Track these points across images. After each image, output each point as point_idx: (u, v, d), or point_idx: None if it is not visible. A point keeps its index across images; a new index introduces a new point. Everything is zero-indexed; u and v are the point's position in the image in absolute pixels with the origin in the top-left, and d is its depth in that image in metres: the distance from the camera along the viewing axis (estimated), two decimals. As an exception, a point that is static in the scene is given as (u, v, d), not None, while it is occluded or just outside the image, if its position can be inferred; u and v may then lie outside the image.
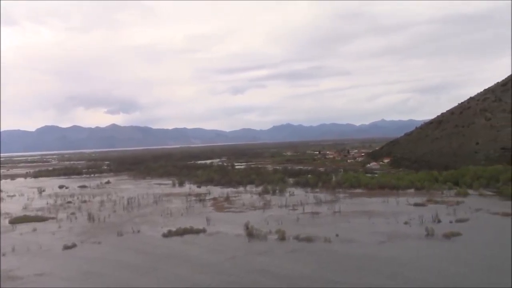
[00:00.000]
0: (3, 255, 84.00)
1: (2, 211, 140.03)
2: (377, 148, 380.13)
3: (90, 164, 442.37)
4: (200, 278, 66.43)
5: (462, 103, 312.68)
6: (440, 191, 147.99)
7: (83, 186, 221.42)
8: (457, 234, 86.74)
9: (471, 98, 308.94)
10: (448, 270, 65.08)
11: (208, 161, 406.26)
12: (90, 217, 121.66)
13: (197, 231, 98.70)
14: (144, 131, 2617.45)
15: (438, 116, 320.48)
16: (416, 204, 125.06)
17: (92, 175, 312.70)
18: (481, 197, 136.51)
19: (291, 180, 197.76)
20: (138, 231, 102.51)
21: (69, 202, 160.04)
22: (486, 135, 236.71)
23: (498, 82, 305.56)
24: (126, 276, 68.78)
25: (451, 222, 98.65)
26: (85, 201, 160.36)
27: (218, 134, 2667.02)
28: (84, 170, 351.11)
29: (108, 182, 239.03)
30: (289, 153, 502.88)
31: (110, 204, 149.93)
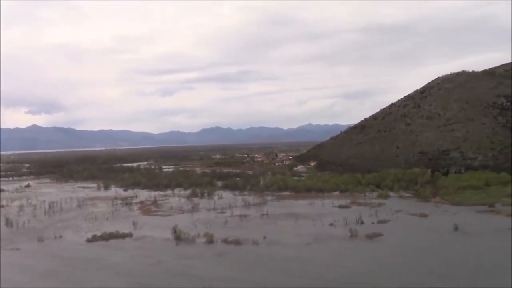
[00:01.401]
0: None
1: None
2: (304, 152, 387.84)
3: (9, 167, 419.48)
4: (119, 282, 65.19)
5: (384, 109, 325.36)
6: (363, 194, 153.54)
7: (1, 190, 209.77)
8: (379, 235, 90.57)
9: (392, 104, 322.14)
10: (367, 270, 67.88)
11: (135, 164, 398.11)
12: (8, 223, 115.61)
13: (123, 236, 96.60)
14: (68, 133, 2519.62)
15: (361, 121, 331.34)
16: (340, 206, 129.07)
17: (11, 178, 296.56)
18: (401, 199, 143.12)
19: (219, 183, 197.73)
20: (60, 237, 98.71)
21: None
22: (406, 140, 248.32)
23: (417, 90, 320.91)
24: (46, 285, 66.22)
25: (373, 223, 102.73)
26: (2, 206, 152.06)
27: (145, 136, 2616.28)
28: (1, 173, 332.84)
29: (28, 186, 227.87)
30: (217, 156, 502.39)
31: (30, 208, 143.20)
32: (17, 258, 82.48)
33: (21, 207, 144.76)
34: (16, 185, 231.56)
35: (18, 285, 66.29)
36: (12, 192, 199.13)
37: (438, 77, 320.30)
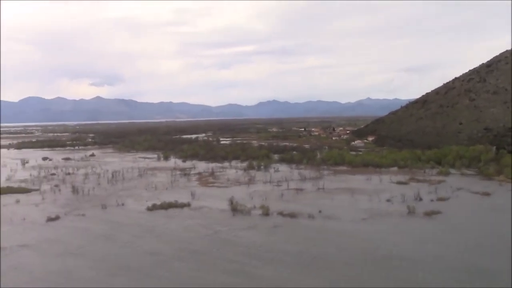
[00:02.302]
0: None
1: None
2: (362, 126, 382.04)
3: (74, 137, 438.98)
4: (173, 250, 67.28)
5: (447, 83, 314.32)
6: (423, 170, 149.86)
7: (67, 159, 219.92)
8: (438, 213, 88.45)
9: (456, 79, 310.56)
10: (422, 249, 66.57)
11: (194, 136, 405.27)
12: (74, 190, 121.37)
13: (182, 205, 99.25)
14: (129, 105, 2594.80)
15: (423, 95, 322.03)
16: (398, 182, 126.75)
17: (76, 148, 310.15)
18: (462, 176, 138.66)
19: (276, 156, 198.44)
20: (123, 204, 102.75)
21: (53, 174, 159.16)
22: (469, 116, 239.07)
23: (483, 63, 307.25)
24: (106, 249, 69.45)
25: (432, 200, 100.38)
26: (69, 174, 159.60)
27: (204, 109, 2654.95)
28: (68, 143, 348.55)
29: (92, 155, 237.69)
30: (274, 130, 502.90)
31: (95, 177, 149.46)
32: (81, 223, 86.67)
33: (86, 175, 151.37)
34: (82, 154, 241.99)
35: (102, 254, 69.65)
36: (78, 161, 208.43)
37: (506, 50, 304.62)
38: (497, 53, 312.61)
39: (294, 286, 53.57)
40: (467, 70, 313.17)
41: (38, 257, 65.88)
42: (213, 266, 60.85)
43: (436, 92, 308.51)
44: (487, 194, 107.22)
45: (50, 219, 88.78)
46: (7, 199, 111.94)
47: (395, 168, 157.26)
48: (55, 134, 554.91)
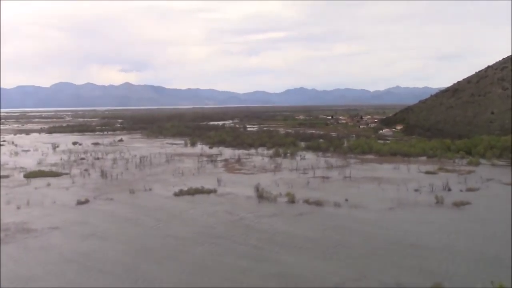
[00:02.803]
0: (18, 208, 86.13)
1: (17, 165, 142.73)
2: (390, 115, 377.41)
3: (104, 122, 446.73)
4: (198, 236, 67.77)
5: (479, 71, 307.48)
6: (452, 160, 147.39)
7: (96, 143, 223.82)
8: (467, 203, 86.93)
9: (489, 67, 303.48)
10: (446, 239, 65.60)
11: (221, 123, 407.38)
12: (103, 174, 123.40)
13: (208, 191, 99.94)
14: (158, 91, 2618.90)
15: (454, 84, 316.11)
16: (427, 172, 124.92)
17: (105, 133, 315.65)
18: (493, 167, 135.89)
19: (302, 144, 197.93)
20: (150, 189, 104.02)
21: (83, 158, 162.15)
22: (502, 105, 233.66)
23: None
24: (131, 232, 70.60)
25: (461, 191, 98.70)
26: (98, 158, 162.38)
27: (231, 96, 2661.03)
28: (97, 128, 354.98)
29: (121, 140, 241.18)
30: (301, 117, 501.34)
31: (123, 162, 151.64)
32: (109, 207, 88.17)
33: (114, 160, 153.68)
34: (110, 139, 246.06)
35: (104, 231, 70.90)
36: (107, 146, 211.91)
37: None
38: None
39: (310, 272, 53.61)
40: (500, 58, 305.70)
41: (67, 239, 67.37)
42: (232, 251, 61.47)
43: (468, 80, 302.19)
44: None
45: (80, 203, 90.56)
46: (38, 182, 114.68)
47: (424, 158, 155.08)
48: (85, 119, 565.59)
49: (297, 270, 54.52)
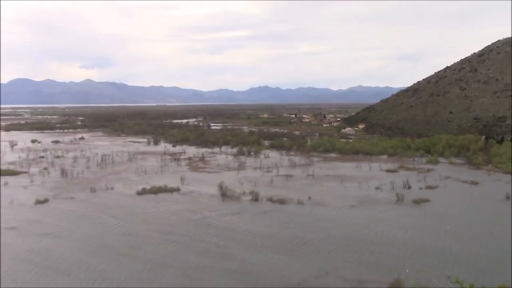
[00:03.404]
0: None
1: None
2: (352, 114, 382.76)
3: (64, 119, 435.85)
4: (158, 234, 67.31)
5: (438, 72, 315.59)
6: (412, 158, 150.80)
7: (57, 141, 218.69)
8: (426, 201, 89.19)
9: (447, 68, 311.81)
10: (402, 234, 67.39)
11: (184, 121, 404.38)
12: (63, 173, 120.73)
13: (171, 190, 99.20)
14: (120, 88, 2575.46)
15: (414, 84, 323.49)
16: (388, 170, 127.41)
17: (66, 131, 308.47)
18: (451, 165, 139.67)
19: (266, 143, 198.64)
20: (112, 188, 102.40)
21: (42, 157, 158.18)
22: (460, 105, 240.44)
23: (475, 53, 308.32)
24: (89, 231, 69.43)
25: (421, 188, 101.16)
26: (58, 157, 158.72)
27: (195, 93, 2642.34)
28: (57, 125, 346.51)
29: (82, 138, 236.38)
30: (265, 115, 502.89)
31: (84, 160, 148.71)
32: (69, 206, 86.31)
33: (75, 159, 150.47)
34: (71, 137, 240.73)
35: (62, 230, 69.52)
36: (67, 144, 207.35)
37: (498, 40, 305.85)
38: (489, 42, 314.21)
39: (270, 269, 54.25)
40: (459, 60, 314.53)
41: (23, 239, 65.99)
42: (192, 249, 61.70)
43: (428, 81, 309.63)
44: (475, 183, 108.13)
45: (39, 202, 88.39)
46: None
47: (385, 156, 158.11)
48: (45, 116, 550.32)
49: (257, 267, 55.09)
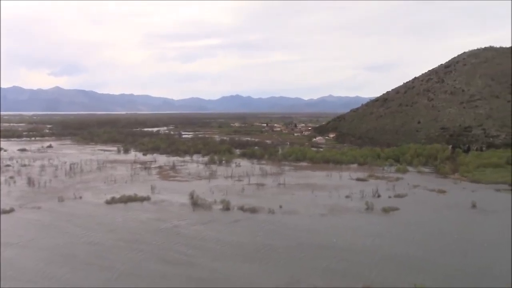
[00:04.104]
0: None
1: None
2: (323, 123, 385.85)
3: (31, 127, 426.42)
4: (126, 245, 66.50)
5: (407, 82, 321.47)
6: (382, 167, 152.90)
7: (23, 150, 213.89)
8: (395, 209, 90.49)
9: (415, 78, 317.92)
10: (369, 242, 68.31)
11: (155, 129, 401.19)
12: (30, 182, 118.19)
13: (142, 199, 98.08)
14: (90, 96, 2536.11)
15: (383, 94, 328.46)
16: (358, 179, 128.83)
17: (33, 139, 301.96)
18: (420, 174, 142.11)
19: (237, 151, 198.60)
20: (80, 197, 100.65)
21: (8, 165, 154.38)
22: (427, 115, 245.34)
23: (441, 64, 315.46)
24: (53, 241, 68.15)
25: (390, 197, 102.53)
26: (25, 165, 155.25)
27: (166, 102, 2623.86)
28: (24, 133, 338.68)
29: (50, 146, 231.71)
30: (237, 124, 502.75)
31: (52, 168, 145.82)
32: (35, 216, 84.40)
33: (42, 167, 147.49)
34: (38, 146, 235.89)
35: (26, 240, 67.99)
36: (34, 152, 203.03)
37: (464, 52, 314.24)
38: (455, 54, 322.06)
39: (237, 277, 54.67)
40: (426, 70, 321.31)
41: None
42: (154, 256, 61.60)
43: (397, 91, 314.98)
44: (442, 191, 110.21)
45: (4, 212, 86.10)
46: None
47: (355, 165, 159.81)
48: (11, 124, 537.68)
49: (222, 274, 55.22)
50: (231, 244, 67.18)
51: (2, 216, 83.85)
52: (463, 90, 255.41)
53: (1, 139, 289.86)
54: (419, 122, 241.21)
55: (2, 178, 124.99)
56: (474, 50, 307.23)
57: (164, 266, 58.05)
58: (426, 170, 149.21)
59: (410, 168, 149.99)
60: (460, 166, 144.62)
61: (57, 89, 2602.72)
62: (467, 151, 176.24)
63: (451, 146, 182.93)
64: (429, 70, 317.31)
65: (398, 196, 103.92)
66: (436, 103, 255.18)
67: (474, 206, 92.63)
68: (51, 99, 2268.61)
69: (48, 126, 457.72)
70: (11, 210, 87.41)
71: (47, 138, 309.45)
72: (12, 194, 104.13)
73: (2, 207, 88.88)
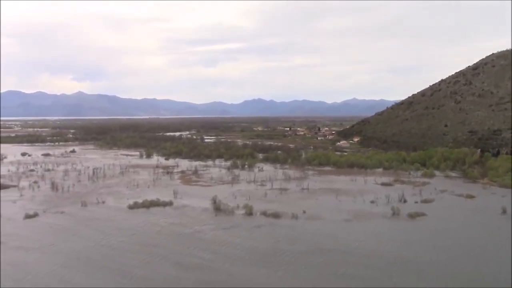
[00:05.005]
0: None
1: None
2: (347, 127, 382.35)
3: (55, 132, 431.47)
4: (146, 250, 65.50)
5: (433, 85, 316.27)
6: (408, 172, 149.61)
7: (47, 154, 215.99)
8: (422, 215, 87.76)
9: (442, 81, 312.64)
10: (392, 248, 66.07)
11: (177, 134, 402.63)
12: (54, 186, 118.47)
13: (164, 204, 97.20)
14: (112, 100, 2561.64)
15: (409, 97, 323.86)
16: (383, 184, 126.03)
17: (57, 144, 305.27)
18: (447, 178, 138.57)
19: (260, 156, 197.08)
20: (103, 202, 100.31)
21: (32, 170, 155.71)
22: (455, 118, 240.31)
23: (469, 66, 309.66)
24: (72, 245, 67.69)
25: (416, 202, 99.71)
26: (48, 170, 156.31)
27: (188, 106, 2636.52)
28: (48, 138, 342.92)
29: (73, 151, 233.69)
30: (259, 128, 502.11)
31: (75, 173, 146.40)
32: (59, 221, 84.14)
33: (66, 172, 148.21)
34: (62, 150, 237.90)
35: (46, 245, 67.50)
36: (58, 157, 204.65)
37: (493, 53, 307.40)
38: (483, 56, 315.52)
39: (251, 282, 53.73)
40: (453, 73, 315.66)
41: (7, 253, 64.35)
42: (171, 261, 61.06)
43: (422, 94, 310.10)
44: (471, 196, 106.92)
45: (28, 216, 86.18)
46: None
47: (380, 170, 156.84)
48: (35, 129, 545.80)
49: (239, 279, 54.35)
50: (251, 249, 65.84)
51: (26, 220, 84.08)
52: (491, 93, 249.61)
53: (26, 144, 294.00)
54: (446, 126, 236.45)
55: (26, 183, 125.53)
56: (503, 51, 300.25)
57: (180, 270, 57.35)
58: (454, 174, 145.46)
59: (437, 173, 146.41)
60: (489, 171, 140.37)
61: (80, 94, 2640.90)
62: (496, 155, 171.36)
63: (479, 150, 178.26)
64: (456, 72, 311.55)
65: (425, 201, 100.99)
66: (464, 106, 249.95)
67: (504, 211, 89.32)
68: (74, 104, 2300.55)
69: (72, 131, 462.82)
70: (35, 215, 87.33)
71: (70, 143, 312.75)
72: (36, 199, 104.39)
73: (26, 211, 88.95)
